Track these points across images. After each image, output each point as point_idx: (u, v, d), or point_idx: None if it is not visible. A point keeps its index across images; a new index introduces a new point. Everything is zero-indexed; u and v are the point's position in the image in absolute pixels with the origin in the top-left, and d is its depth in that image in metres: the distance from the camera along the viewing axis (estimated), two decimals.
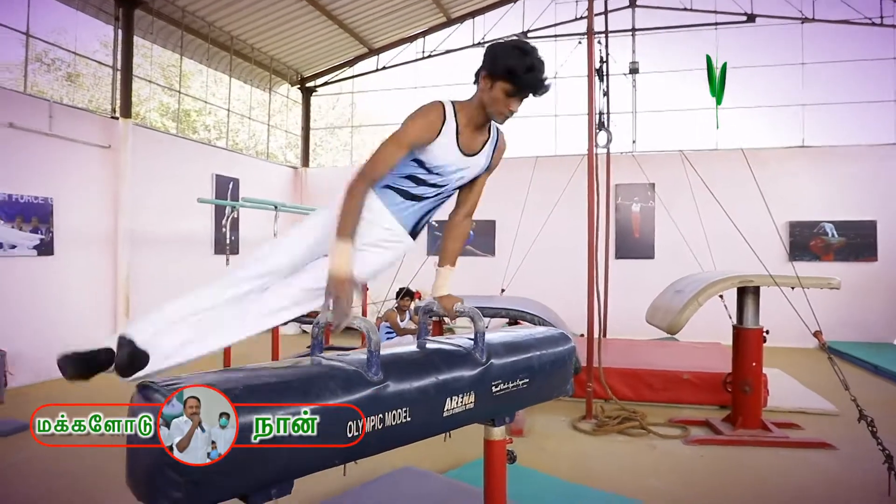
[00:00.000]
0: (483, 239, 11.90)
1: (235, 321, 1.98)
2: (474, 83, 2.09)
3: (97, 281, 8.19)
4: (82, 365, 1.88)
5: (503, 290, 8.51)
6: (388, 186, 2.08)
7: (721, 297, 5.58)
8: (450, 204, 2.34)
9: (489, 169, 2.25)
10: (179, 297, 2.03)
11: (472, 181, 2.26)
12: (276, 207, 7.29)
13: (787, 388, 6.66)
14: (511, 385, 2.36)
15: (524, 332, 2.71)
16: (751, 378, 5.07)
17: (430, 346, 2.28)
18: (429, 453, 4.58)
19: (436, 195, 2.14)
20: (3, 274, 6.91)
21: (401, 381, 1.92)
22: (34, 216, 7.23)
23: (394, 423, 1.87)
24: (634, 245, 11.15)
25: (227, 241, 7.32)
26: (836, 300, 9.89)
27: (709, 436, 5.11)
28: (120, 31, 8.81)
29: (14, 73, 12.07)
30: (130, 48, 8.88)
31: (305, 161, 13.48)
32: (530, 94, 2.03)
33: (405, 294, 7.25)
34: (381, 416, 1.83)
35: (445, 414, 2.07)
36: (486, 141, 2.17)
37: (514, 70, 1.95)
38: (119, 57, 8.83)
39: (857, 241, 10.19)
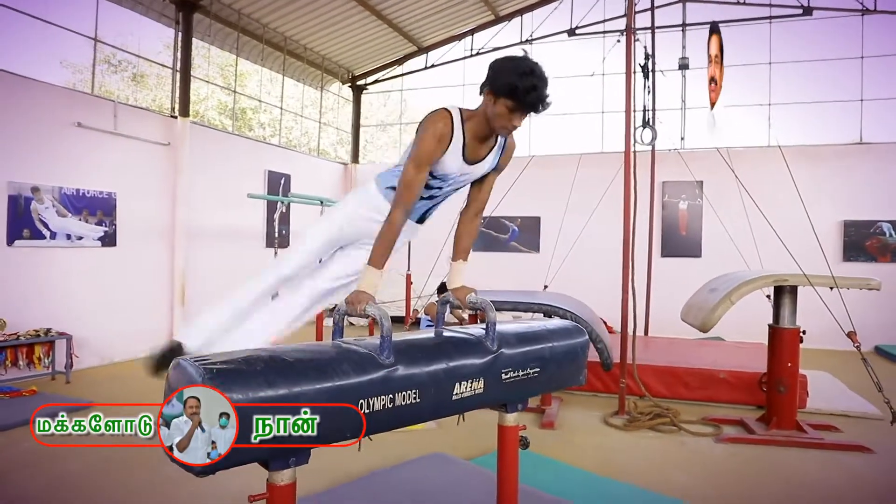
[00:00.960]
0: (527, 235, 11.97)
1: (274, 318, 2.31)
2: (480, 94, 2.13)
3: (156, 271, 8.67)
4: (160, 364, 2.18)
5: (546, 287, 8.58)
6: (393, 188, 2.22)
7: (769, 297, 5.54)
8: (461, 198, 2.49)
9: (497, 169, 2.36)
10: (221, 301, 2.32)
11: (482, 179, 2.37)
12: (321, 203, 7.55)
13: (830, 391, 6.54)
14: (521, 373, 2.48)
15: (538, 323, 2.82)
16: (786, 378, 5.03)
17: (443, 334, 2.43)
18: (465, 443, 4.76)
19: (441, 195, 2.30)
20: (71, 263, 7.42)
21: (411, 365, 2.07)
22: (99, 209, 7.72)
23: (403, 404, 2.02)
24: (681, 243, 11.01)
25: (277, 235, 7.63)
26: (893, 302, 9.59)
27: (741, 435, 5.09)
28: (179, 35, 9.26)
29: (84, 74, 12.81)
30: (189, 51, 9.32)
31: (355, 157, 13.80)
32: (532, 112, 2.07)
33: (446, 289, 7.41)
34: (391, 396, 1.98)
35: (454, 397, 2.21)
36: (493, 147, 2.25)
37: (515, 89, 1.99)
38: (178, 59, 9.28)
39: None
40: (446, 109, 2.13)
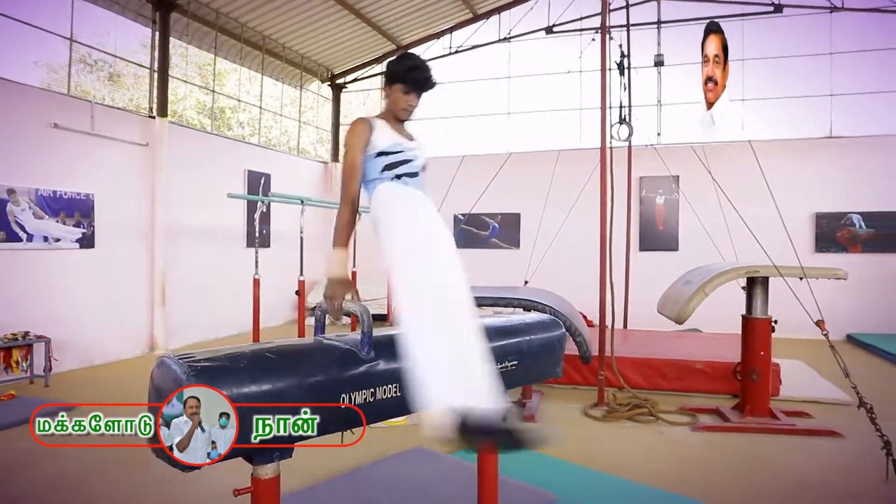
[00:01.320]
0: (508, 232, 12.07)
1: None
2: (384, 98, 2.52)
3: (135, 272, 8.62)
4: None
5: (526, 282, 8.67)
6: (388, 184, 2.33)
7: (744, 288, 5.68)
8: None
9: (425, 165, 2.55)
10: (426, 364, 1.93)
11: None
12: (302, 202, 7.56)
13: (803, 379, 6.72)
14: (500, 366, 2.55)
15: (516, 317, 2.90)
16: (758, 366, 5.17)
17: None
18: None
19: (414, 172, 2.39)
20: (49, 266, 7.36)
21: (391, 359, 2.13)
22: (77, 211, 7.66)
23: (384, 397, 2.09)
24: (658, 237, 11.19)
25: (258, 234, 7.62)
26: (863, 292, 9.84)
27: (717, 423, 5.23)
28: (157, 34, 9.20)
29: (59, 73, 12.64)
30: (166, 51, 9.26)
31: (336, 156, 13.80)
32: (421, 89, 2.43)
33: None
34: (371, 390, 2.05)
35: None
36: (416, 137, 2.54)
37: (401, 73, 2.40)
38: (156, 58, 9.22)
39: (885, 233, 10.06)
40: (360, 117, 2.46)
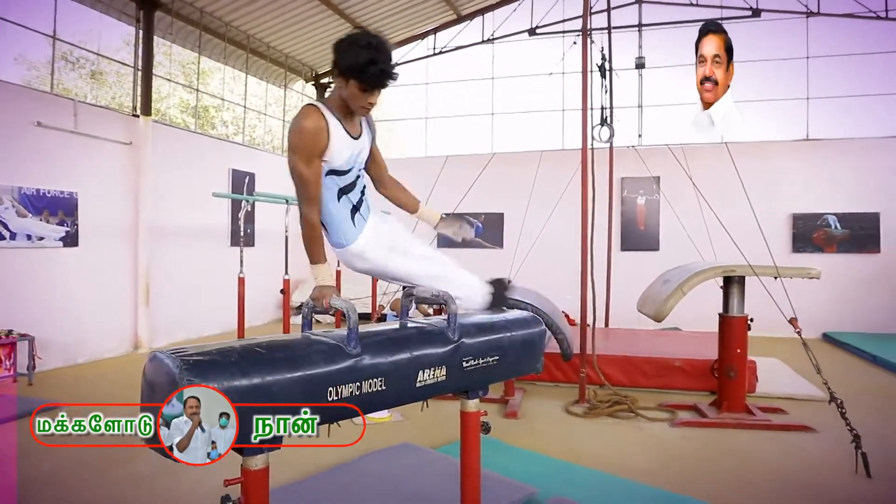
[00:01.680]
0: (491, 231, 12.16)
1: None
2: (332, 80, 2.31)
3: (119, 271, 8.61)
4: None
5: (510, 281, 8.74)
6: (341, 211, 2.34)
7: (721, 287, 5.81)
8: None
9: (374, 138, 2.47)
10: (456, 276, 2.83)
11: (371, 155, 2.49)
12: (287, 201, 7.59)
13: (779, 376, 6.88)
14: (482, 361, 2.63)
15: (498, 315, 2.98)
16: (735, 364, 5.31)
17: (407, 325, 2.57)
18: (431, 433, 4.93)
19: (356, 175, 2.35)
20: (32, 264, 7.33)
21: (377, 354, 2.20)
22: (60, 210, 7.64)
23: (370, 391, 2.16)
24: (639, 237, 11.35)
25: (242, 234, 7.63)
26: (838, 291, 10.06)
27: (694, 419, 5.36)
28: (140, 33, 9.18)
29: (41, 71, 12.54)
30: (150, 50, 9.24)
31: None
32: (383, 86, 2.13)
33: None
34: (357, 384, 2.11)
35: (418, 385, 2.35)
36: (360, 121, 2.34)
37: (358, 68, 2.05)
38: (140, 57, 9.20)
39: (860, 234, 10.31)
40: (310, 105, 2.18)
